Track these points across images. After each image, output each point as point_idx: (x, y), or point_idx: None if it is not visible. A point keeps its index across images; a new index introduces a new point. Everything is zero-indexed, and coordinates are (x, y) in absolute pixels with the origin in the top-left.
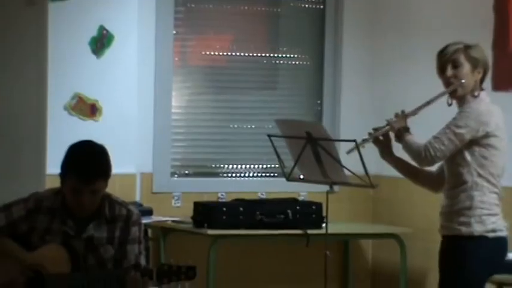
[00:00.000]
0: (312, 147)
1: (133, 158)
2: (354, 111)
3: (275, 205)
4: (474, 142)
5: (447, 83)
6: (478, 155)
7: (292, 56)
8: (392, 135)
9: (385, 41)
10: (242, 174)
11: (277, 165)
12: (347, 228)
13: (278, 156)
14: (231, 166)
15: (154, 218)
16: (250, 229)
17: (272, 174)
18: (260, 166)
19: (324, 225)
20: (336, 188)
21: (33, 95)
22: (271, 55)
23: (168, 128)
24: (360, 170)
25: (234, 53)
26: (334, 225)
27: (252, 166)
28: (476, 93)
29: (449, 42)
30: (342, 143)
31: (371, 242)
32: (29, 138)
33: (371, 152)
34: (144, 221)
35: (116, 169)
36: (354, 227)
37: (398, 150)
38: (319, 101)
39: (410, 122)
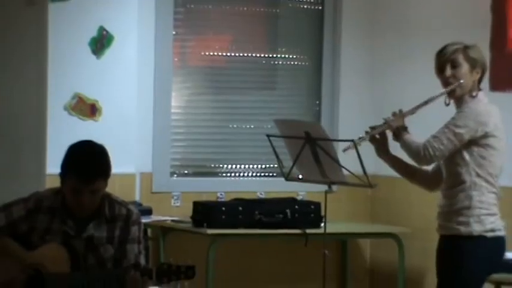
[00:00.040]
0: (311, 147)
1: (133, 157)
2: (352, 111)
3: (274, 205)
4: (473, 142)
5: (446, 83)
6: (476, 155)
7: (291, 56)
8: (389, 133)
9: (384, 42)
10: (241, 174)
11: (276, 165)
12: (345, 228)
13: (277, 156)
14: (230, 166)
15: (154, 218)
16: (249, 228)
17: (271, 174)
18: (259, 166)
19: (322, 224)
20: (334, 187)
21: (33, 95)
22: (270, 55)
23: (167, 128)
24: (358, 170)
25: (233, 54)
26: (333, 225)
27: (251, 166)
28: (474, 94)
29: (448, 43)
30: (340, 143)
31: (369, 242)
32: (29, 138)
33: (369, 152)
34: (144, 220)
35: (115, 169)
36: (352, 227)
37: (394, 149)
38: (317, 101)
39: (408, 121)
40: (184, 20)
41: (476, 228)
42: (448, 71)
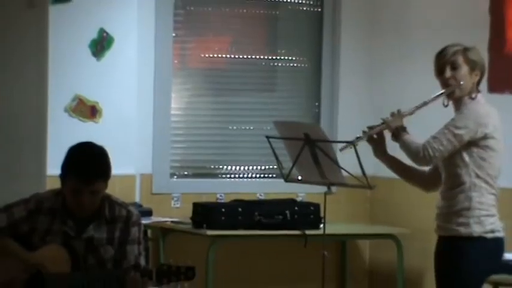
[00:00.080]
0: (310, 149)
1: (133, 159)
2: (351, 112)
3: (273, 206)
4: (472, 143)
5: (445, 84)
6: (476, 156)
7: (290, 58)
8: (387, 134)
9: (383, 43)
10: (241, 175)
11: (275, 167)
12: (345, 229)
13: (276, 158)
14: (230, 167)
15: (154, 219)
16: (248, 230)
17: (270, 175)
18: (259, 167)
19: (321, 225)
20: (333, 189)
21: (33, 97)
22: (270, 57)
23: (167, 129)
24: (357, 171)
25: (233, 56)
26: (332, 226)
27: (250, 167)
28: (473, 96)
29: (448, 44)
30: (339, 144)
31: (368, 243)
32: (30, 140)
33: (368, 153)
34: (144, 221)
35: (115, 170)
36: (351, 228)
37: (393, 149)
38: (317, 103)
39: (407, 121)
40: (184, 22)
41: (476, 229)
42: (448, 73)
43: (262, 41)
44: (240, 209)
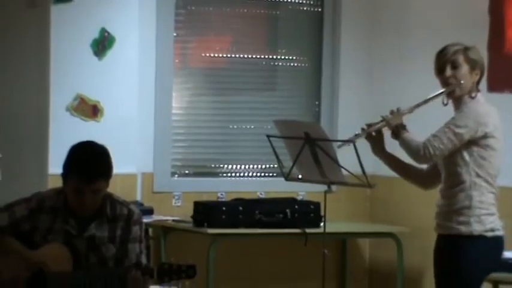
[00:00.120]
0: (310, 148)
1: (134, 158)
2: (351, 111)
3: (274, 204)
4: (473, 142)
5: (445, 83)
6: (476, 155)
7: (290, 57)
8: (385, 131)
9: (383, 43)
10: (241, 174)
11: (276, 165)
12: (345, 227)
13: (277, 157)
14: (230, 166)
15: (155, 218)
16: (249, 228)
17: (271, 174)
18: (259, 166)
19: (322, 224)
20: (333, 187)
21: (35, 96)
22: (270, 57)
23: (168, 128)
24: (357, 170)
25: (233, 55)
26: (332, 225)
27: (251, 166)
28: (473, 95)
29: (448, 43)
30: (339, 142)
31: (368, 241)
32: (32, 139)
33: (368, 152)
34: (145, 220)
35: (117, 169)
36: (351, 226)
37: (392, 147)
38: (317, 102)
39: (407, 120)
40: (185, 22)
41: (476, 228)
42: (448, 72)
43: (262, 40)
44: (240, 208)
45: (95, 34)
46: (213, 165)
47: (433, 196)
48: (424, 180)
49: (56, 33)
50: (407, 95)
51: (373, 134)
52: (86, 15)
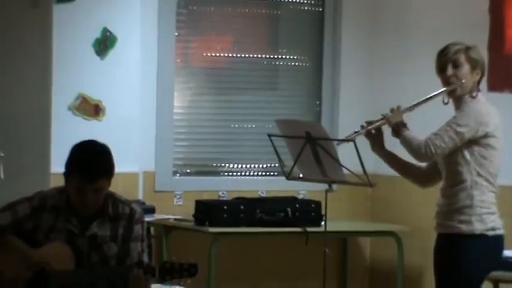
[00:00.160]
0: (311, 147)
1: (136, 157)
2: (352, 111)
3: (275, 203)
4: (473, 142)
5: (446, 82)
6: (477, 155)
7: (292, 57)
8: (385, 129)
9: (383, 42)
10: (243, 173)
11: (277, 165)
12: (346, 226)
13: (278, 156)
14: (232, 165)
15: (157, 216)
16: (250, 227)
17: (272, 173)
18: (260, 165)
19: (323, 223)
20: (334, 186)
21: (37, 96)
22: (272, 56)
23: (170, 127)
24: (358, 169)
25: (235, 55)
26: (333, 223)
27: (252, 165)
28: (474, 94)
29: (450, 43)
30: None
31: (369, 240)
32: (34, 138)
33: (369, 151)
34: (147, 219)
35: (119, 168)
36: (352, 225)
37: (392, 145)
38: (318, 102)
39: (407, 118)
40: (187, 22)
41: (477, 227)
42: (450, 71)
43: (264, 40)
44: (242, 207)
45: (97, 34)
46: (214, 164)
47: (434, 195)
48: (423, 178)
49: (58, 33)
50: (407, 95)
51: (373, 131)
52: (88, 14)
